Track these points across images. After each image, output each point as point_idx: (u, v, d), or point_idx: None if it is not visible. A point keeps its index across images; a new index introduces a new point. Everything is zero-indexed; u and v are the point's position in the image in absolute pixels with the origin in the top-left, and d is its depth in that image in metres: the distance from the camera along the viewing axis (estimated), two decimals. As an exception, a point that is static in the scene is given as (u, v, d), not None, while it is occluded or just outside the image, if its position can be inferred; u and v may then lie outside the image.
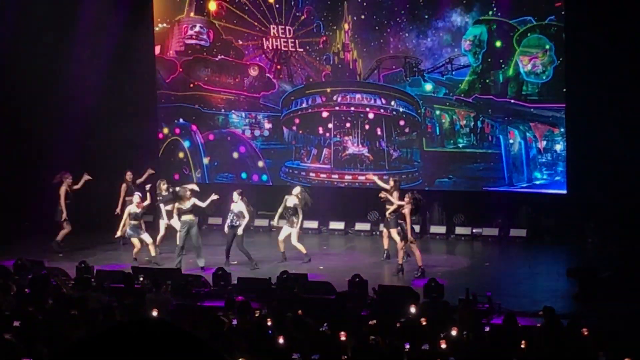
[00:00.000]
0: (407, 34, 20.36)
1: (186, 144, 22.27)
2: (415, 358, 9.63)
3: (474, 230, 20.00)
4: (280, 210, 17.61)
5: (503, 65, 19.72)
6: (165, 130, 22.44)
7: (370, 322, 10.94)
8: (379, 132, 20.90)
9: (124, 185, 19.16)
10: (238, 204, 17.27)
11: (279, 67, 21.57)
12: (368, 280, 14.40)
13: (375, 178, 18.63)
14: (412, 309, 12.11)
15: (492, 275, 17.14)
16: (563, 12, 19.06)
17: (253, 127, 21.90)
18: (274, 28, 21.33)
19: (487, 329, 11.28)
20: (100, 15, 20.72)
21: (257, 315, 11.69)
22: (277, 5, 21.24)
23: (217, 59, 21.85)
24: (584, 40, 18.46)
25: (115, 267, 16.54)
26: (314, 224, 20.50)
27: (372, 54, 20.71)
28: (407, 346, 9.69)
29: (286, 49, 21.36)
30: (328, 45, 21.06)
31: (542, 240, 19.42)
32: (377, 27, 20.55)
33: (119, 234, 17.90)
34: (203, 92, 22.03)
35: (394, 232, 17.02)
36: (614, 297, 14.24)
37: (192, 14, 21.94)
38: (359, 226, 20.75)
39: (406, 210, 16.38)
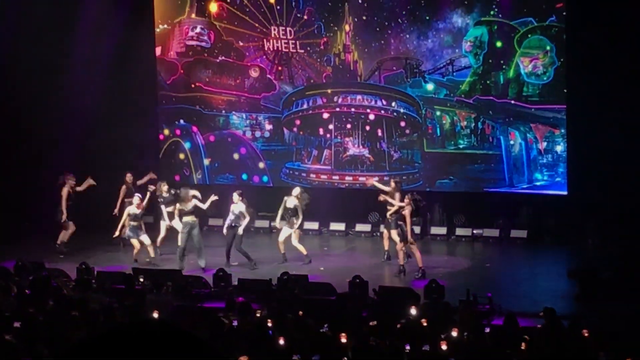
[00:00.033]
0: (407, 35, 20.35)
1: (187, 145, 22.25)
2: (415, 359, 9.64)
3: (474, 231, 19.98)
4: (280, 211, 17.62)
5: (504, 67, 19.71)
6: (166, 132, 22.43)
7: (370, 323, 10.95)
8: (380, 133, 20.89)
9: (123, 187, 19.14)
10: (238, 205, 17.28)
11: (279, 68, 21.57)
12: (368, 281, 14.42)
13: (374, 182, 18.50)
14: (413, 310, 12.12)
15: (493, 276, 17.15)
16: (564, 13, 19.05)
17: (254, 128, 21.88)
18: (274, 29, 21.32)
19: (487, 329, 11.27)
20: (101, 16, 20.70)
21: (257, 316, 11.70)
22: (278, 7, 21.23)
23: (217, 60, 21.84)
24: (585, 42, 18.46)
25: (115, 268, 16.53)
26: (314, 225, 20.48)
27: (373, 55, 20.70)
28: (408, 347, 9.70)
29: (287, 50, 21.35)
30: (329, 47, 21.05)
31: (543, 241, 19.43)
32: (377, 29, 20.54)
33: (117, 233, 17.95)
34: (204, 93, 22.02)
35: (394, 234, 17.02)
36: (614, 298, 14.26)
37: (193, 15, 21.93)
38: (359, 227, 20.72)
39: (406, 212, 16.38)
